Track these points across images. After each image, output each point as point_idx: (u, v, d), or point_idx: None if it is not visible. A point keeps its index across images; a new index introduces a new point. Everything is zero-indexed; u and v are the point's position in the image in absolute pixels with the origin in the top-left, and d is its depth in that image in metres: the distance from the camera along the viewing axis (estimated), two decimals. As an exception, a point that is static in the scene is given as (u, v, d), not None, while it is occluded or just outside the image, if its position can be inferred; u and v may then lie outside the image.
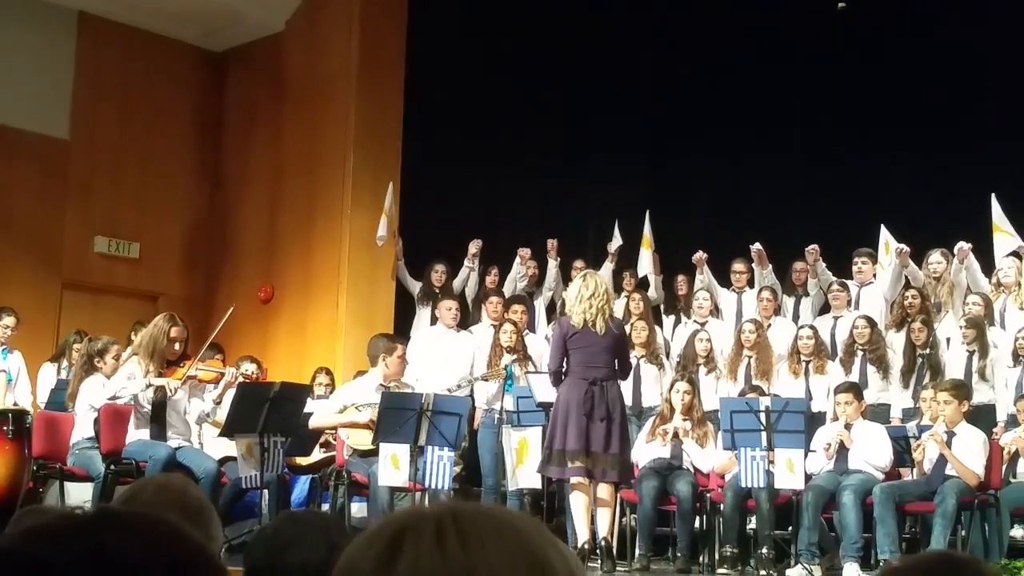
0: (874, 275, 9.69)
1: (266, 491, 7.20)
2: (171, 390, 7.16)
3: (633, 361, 8.21)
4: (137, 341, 7.60)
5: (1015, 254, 9.00)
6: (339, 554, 1.08)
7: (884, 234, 9.53)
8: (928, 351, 8.66)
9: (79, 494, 7.61)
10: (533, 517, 1.12)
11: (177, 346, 7.32)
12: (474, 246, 10.61)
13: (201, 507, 2.51)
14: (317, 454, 8.36)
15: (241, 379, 7.79)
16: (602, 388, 6.95)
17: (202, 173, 12.57)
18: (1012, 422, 8.08)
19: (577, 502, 7.08)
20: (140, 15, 11.87)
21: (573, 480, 7.07)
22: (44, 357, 9.90)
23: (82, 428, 7.41)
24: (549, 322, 10.40)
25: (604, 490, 7.07)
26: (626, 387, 7.42)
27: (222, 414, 7.50)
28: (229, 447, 7.69)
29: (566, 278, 10.72)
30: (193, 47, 12.53)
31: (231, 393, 7.37)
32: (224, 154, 12.62)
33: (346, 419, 7.67)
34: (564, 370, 7.10)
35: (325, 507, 7.75)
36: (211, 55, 12.68)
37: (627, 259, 10.81)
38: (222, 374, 7.48)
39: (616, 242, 10.80)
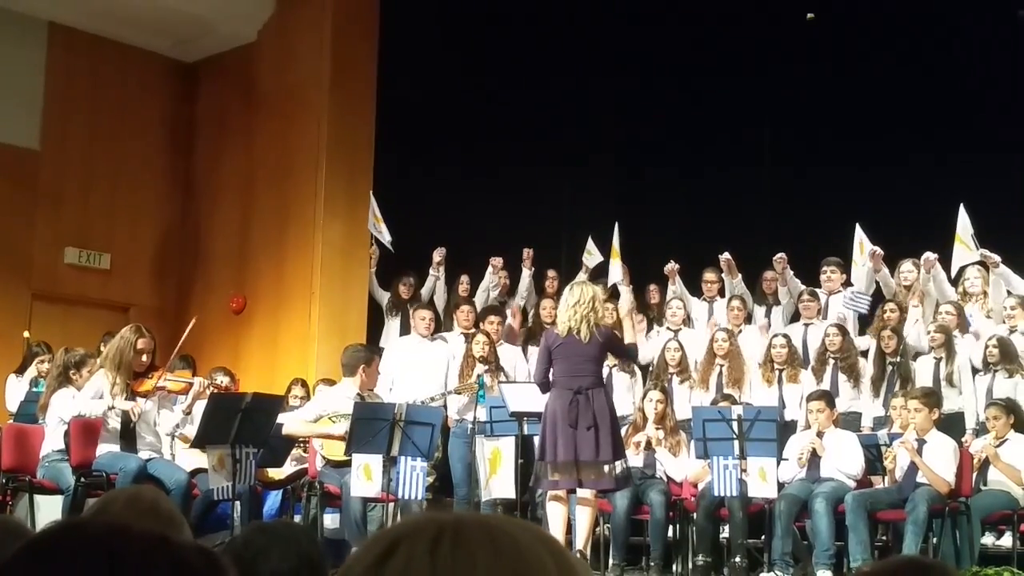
0: (842, 284, 9.75)
1: (238, 503, 7.15)
2: (134, 414, 7.11)
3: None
4: (104, 353, 7.53)
5: (981, 264, 9.08)
6: (309, 564, 1.08)
7: (859, 233, 9.57)
8: (898, 359, 8.73)
9: (49, 507, 7.54)
10: (540, 529, 1.12)
11: (144, 357, 7.26)
12: (438, 254, 10.61)
13: (172, 519, 2.50)
14: (289, 466, 8.31)
15: (213, 390, 7.73)
16: (587, 397, 6.90)
17: (173, 183, 12.51)
18: (982, 429, 8.14)
19: (554, 511, 7.07)
20: (111, 25, 11.81)
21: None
22: (13, 369, 9.82)
23: (52, 440, 7.34)
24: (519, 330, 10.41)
25: (584, 491, 7.05)
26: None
27: (190, 430, 7.45)
28: (201, 458, 7.64)
29: (539, 288, 10.75)
30: (164, 57, 12.48)
31: (201, 404, 7.33)
32: (196, 164, 12.57)
33: (320, 429, 7.64)
34: (550, 380, 7.09)
35: (297, 518, 7.71)
36: (182, 65, 12.63)
37: (600, 270, 10.82)
38: (191, 384, 7.43)
39: (594, 257, 10.82)
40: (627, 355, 7.21)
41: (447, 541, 1.02)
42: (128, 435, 7.16)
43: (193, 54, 12.57)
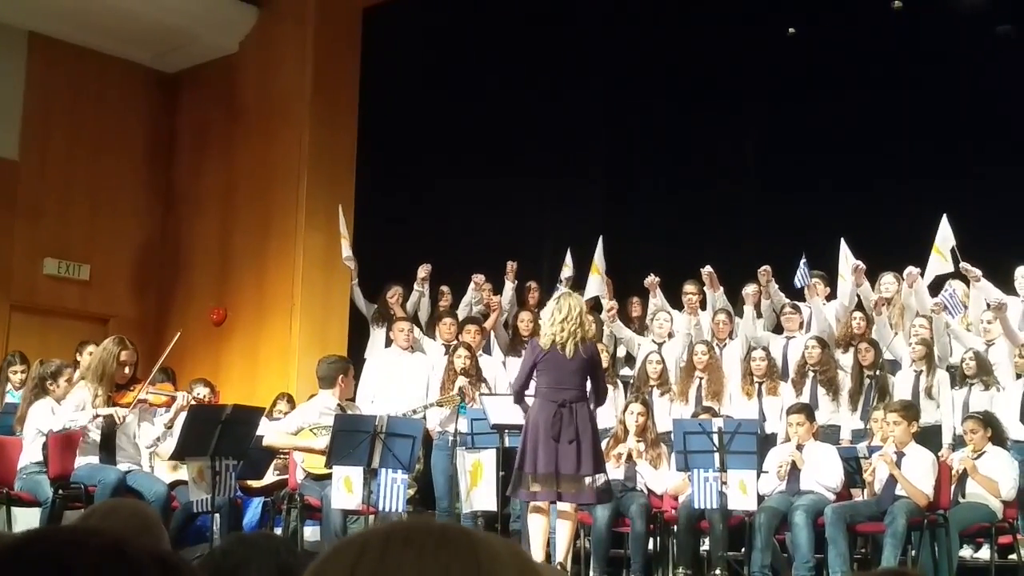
0: (825, 297, 9.78)
1: (218, 515, 7.12)
2: (119, 418, 7.04)
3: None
4: (85, 365, 7.47)
5: (962, 279, 9.13)
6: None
7: (844, 248, 9.60)
8: (876, 372, 8.77)
9: (26, 519, 7.49)
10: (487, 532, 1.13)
11: (127, 369, 7.21)
12: (423, 270, 10.57)
13: (152, 527, 2.49)
14: (270, 476, 8.29)
15: (193, 402, 7.70)
16: (571, 410, 6.89)
17: (154, 195, 12.48)
18: (959, 443, 8.18)
19: (535, 524, 7.05)
20: (91, 36, 11.78)
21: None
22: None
23: (30, 452, 7.28)
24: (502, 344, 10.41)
25: (565, 504, 7.05)
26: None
27: (167, 445, 7.39)
28: (180, 471, 7.60)
29: (521, 300, 10.75)
30: (145, 68, 12.45)
31: (183, 417, 7.28)
32: (176, 176, 12.54)
33: (301, 442, 7.62)
34: (526, 390, 7.08)
35: (278, 530, 7.68)
36: (163, 76, 12.60)
37: (579, 284, 10.83)
38: (173, 398, 7.39)
39: (568, 271, 10.83)
40: (597, 390, 7.14)
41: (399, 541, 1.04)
42: (107, 447, 7.11)
43: (174, 65, 12.54)
